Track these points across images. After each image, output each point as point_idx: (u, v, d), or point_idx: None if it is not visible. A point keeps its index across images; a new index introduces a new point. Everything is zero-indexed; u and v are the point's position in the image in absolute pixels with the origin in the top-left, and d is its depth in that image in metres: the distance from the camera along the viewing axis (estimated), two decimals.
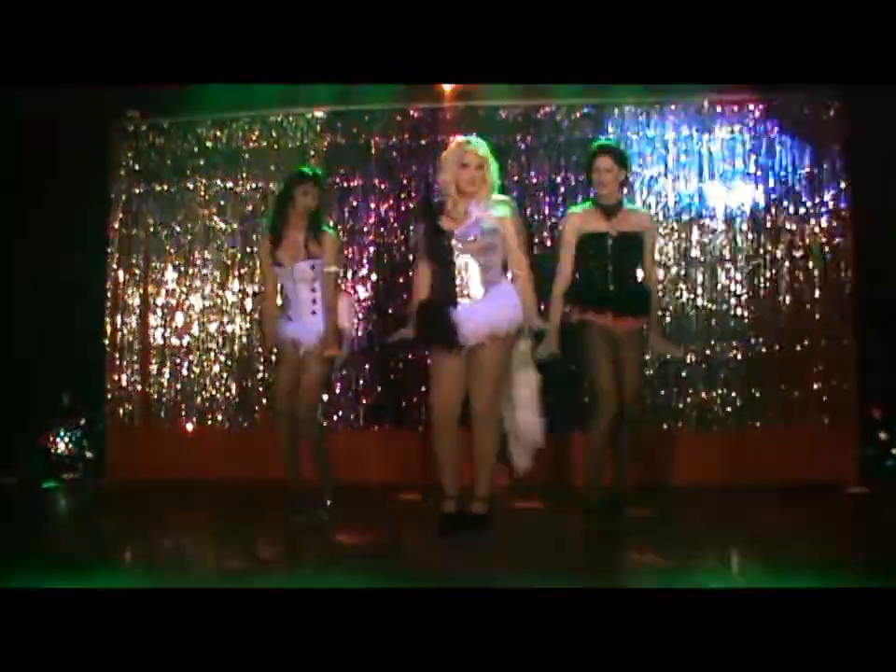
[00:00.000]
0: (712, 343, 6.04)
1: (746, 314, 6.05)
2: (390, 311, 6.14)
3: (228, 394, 6.36)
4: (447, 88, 6.27)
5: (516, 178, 6.13)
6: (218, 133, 6.44)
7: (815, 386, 5.98)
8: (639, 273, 4.76)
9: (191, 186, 6.45)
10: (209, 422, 6.37)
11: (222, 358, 6.39)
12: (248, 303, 6.37)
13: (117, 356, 6.46)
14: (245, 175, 6.39)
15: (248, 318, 6.36)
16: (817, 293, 6.01)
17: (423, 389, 5.82)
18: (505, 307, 4.26)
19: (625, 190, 4.87)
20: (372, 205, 6.26)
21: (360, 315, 6.09)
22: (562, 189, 6.12)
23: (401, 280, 6.09)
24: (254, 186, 6.36)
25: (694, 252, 6.08)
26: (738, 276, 6.06)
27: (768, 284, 6.05)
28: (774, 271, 6.05)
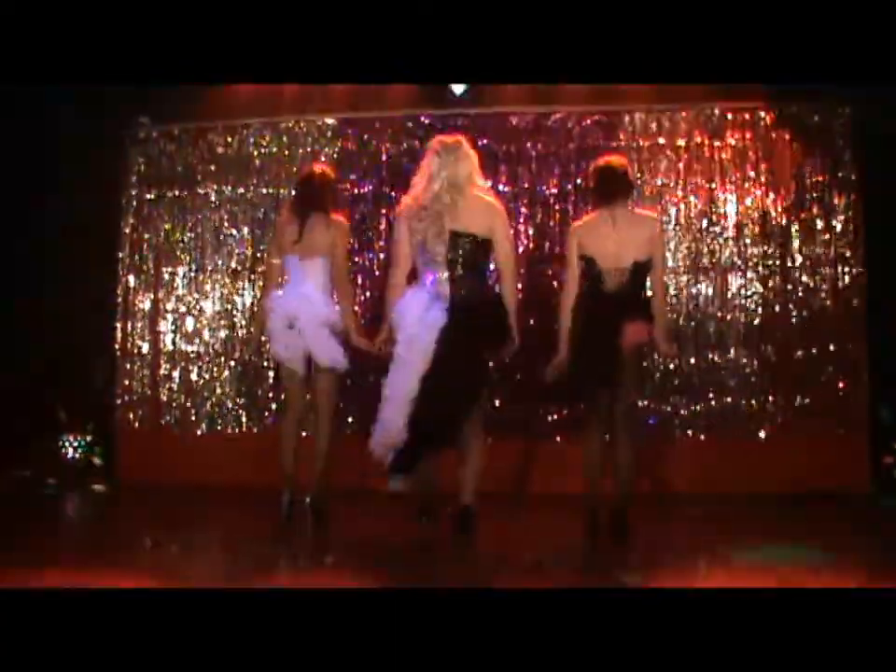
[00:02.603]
0: (723, 350, 6.04)
1: (756, 321, 6.04)
2: None
3: (238, 399, 6.37)
4: (457, 92, 6.28)
5: (527, 185, 6.15)
6: (229, 140, 6.47)
7: (826, 393, 5.97)
8: None
9: (202, 192, 6.49)
10: (219, 427, 6.39)
11: (232, 364, 6.40)
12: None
13: (127, 361, 6.49)
14: (255, 181, 6.42)
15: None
16: (828, 300, 6.01)
17: None
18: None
19: None
20: (383, 211, 6.27)
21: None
22: (572, 197, 6.13)
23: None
24: (265, 192, 6.39)
25: (705, 259, 6.09)
26: (749, 283, 6.06)
27: (779, 291, 6.04)
28: (784, 277, 6.05)
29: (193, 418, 6.41)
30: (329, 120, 6.38)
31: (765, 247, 6.06)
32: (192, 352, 6.44)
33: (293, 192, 4.95)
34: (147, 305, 6.50)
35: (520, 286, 6.07)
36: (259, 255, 6.37)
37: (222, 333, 6.42)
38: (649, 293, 4.41)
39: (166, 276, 6.49)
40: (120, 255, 6.52)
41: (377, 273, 6.26)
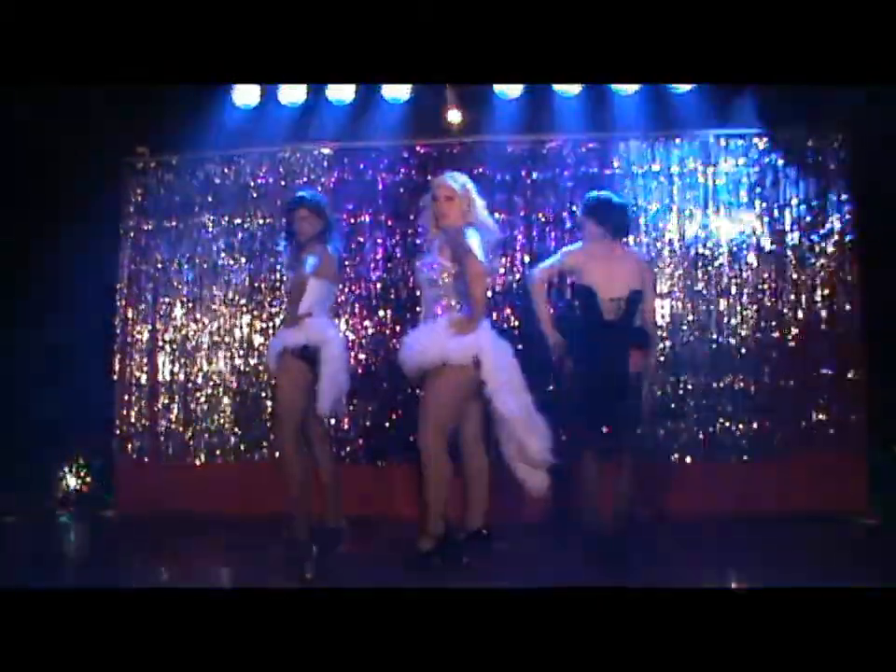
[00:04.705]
0: (719, 375, 6.04)
1: (752, 345, 6.05)
2: (397, 346, 6.15)
3: (236, 429, 6.37)
4: (454, 123, 6.32)
5: (522, 213, 6.18)
6: (226, 170, 6.49)
7: (823, 417, 5.97)
8: None
9: (200, 222, 6.49)
10: (218, 458, 6.38)
11: (230, 394, 6.40)
12: (256, 339, 6.39)
13: (125, 391, 6.48)
14: (252, 211, 6.43)
15: (256, 353, 6.38)
16: (823, 324, 6.01)
17: None
18: (423, 340, 4.28)
19: None
20: (379, 241, 6.29)
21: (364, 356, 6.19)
22: (568, 224, 6.14)
23: (408, 315, 6.10)
24: (262, 222, 6.41)
25: (700, 284, 6.10)
26: (744, 308, 6.07)
27: (774, 315, 6.05)
28: (780, 302, 6.06)
29: (192, 448, 6.40)
30: (326, 150, 6.40)
31: (760, 272, 6.07)
32: (190, 382, 6.44)
33: (328, 219, 4.80)
34: (144, 336, 6.51)
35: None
36: (256, 285, 6.39)
37: (220, 363, 6.42)
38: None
39: (164, 307, 6.50)
40: (118, 285, 6.52)
41: (374, 302, 6.29)
